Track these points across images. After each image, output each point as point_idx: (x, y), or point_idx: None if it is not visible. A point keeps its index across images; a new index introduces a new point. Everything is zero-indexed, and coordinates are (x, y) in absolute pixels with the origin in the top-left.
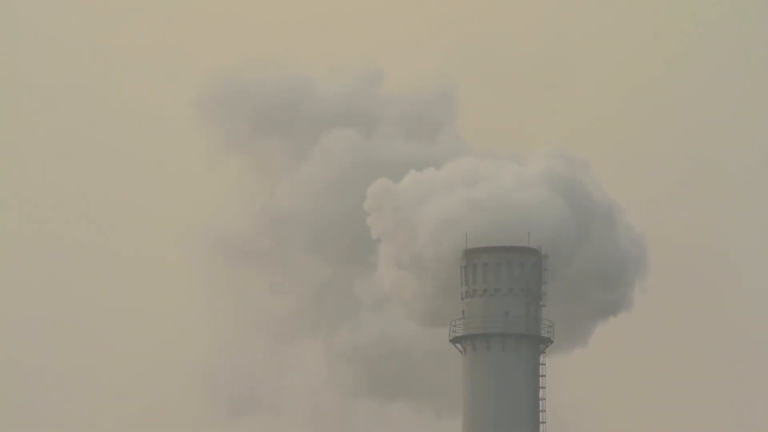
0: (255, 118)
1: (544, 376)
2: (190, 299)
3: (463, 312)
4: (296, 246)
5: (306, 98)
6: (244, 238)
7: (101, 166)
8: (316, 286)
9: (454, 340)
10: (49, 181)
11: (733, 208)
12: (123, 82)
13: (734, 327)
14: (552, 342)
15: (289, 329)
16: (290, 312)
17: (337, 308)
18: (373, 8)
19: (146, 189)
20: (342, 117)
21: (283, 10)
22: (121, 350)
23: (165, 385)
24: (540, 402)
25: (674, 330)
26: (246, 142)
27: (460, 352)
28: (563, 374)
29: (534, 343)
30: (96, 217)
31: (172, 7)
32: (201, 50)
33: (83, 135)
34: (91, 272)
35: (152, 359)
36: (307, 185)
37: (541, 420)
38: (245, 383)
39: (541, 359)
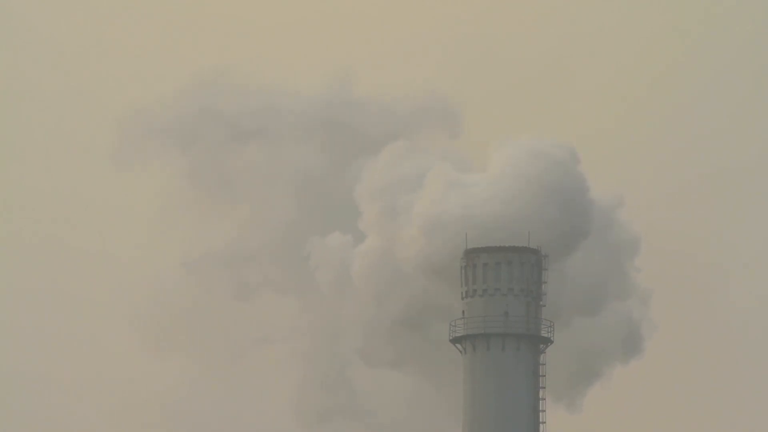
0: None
1: (544, 376)
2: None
3: (463, 312)
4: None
5: (275, 112)
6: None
7: (89, 169)
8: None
9: (454, 340)
10: (40, 186)
11: (735, 212)
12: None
13: (733, 332)
14: (552, 342)
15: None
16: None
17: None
18: (368, 10)
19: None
20: (310, 132)
21: (270, 12)
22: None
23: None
24: (540, 402)
25: (674, 332)
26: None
27: (460, 352)
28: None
29: (534, 343)
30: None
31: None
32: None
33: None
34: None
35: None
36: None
37: (541, 420)
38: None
39: (541, 359)
